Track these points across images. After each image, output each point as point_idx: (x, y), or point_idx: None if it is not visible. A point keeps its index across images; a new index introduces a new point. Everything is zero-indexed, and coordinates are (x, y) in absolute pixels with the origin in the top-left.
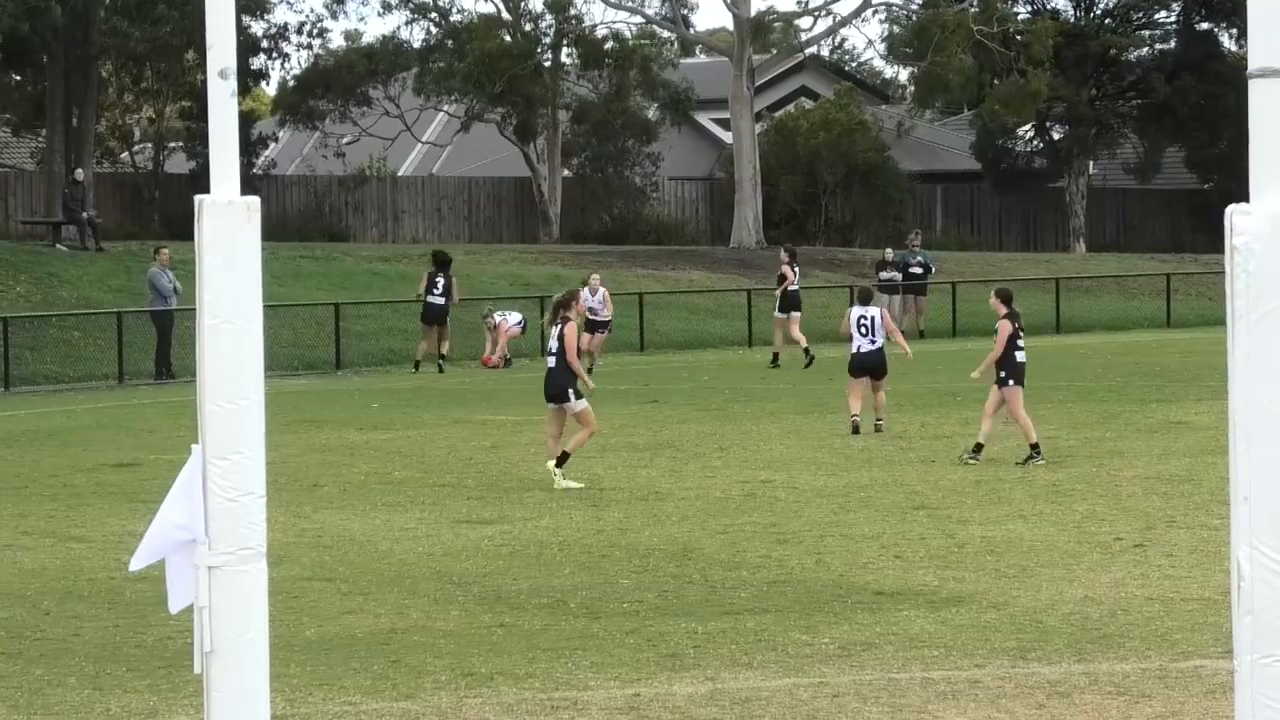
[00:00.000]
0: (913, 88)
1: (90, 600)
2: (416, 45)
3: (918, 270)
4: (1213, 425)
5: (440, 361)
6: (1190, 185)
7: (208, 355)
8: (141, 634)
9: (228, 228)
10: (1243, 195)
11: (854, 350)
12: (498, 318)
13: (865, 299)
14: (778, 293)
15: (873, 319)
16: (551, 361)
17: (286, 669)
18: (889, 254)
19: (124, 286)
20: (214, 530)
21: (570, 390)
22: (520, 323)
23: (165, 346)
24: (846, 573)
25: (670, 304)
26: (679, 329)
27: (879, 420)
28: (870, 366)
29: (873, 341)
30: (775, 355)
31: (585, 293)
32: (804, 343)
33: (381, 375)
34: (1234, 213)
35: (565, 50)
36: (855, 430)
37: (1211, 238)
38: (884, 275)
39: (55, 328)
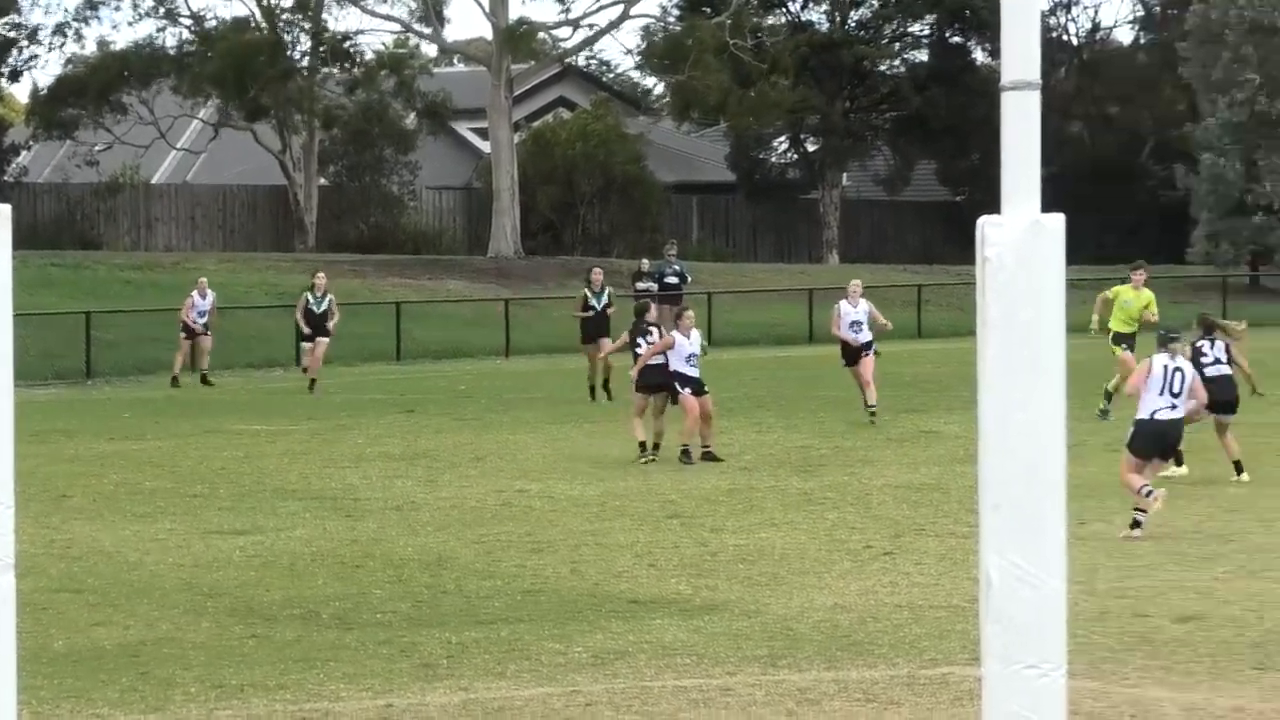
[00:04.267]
0: (669, 99)
1: None
2: (170, 51)
3: (673, 280)
4: (962, 434)
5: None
6: (943, 197)
7: None
8: None
9: None
10: (994, 207)
11: (1146, 415)
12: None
13: (1166, 343)
14: None
15: (1184, 377)
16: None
17: (34, 681)
18: (645, 264)
19: None
20: None
21: None
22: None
23: None
24: (601, 581)
25: (428, 313)
26: (436, 338)
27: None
28: (1169, 440)
29: (1174, 406)
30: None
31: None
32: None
33: (133, 385)
34: (985, 224)
35: (321, 59)
36: (1148, 512)
37: (963, 249)
38: (640, 285)
39: None
